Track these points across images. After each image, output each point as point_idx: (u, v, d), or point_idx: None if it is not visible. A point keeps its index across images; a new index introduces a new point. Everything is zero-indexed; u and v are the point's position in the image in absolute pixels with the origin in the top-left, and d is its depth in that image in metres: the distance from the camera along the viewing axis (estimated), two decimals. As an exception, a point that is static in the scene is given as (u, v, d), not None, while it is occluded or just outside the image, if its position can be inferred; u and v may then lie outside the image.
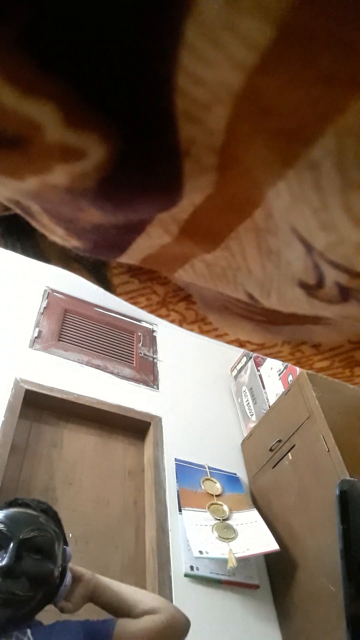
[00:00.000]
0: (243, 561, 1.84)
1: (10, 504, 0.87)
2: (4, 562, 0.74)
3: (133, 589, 0.95)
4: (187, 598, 1.72)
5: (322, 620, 1.63)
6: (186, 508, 1.97)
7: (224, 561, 1.76)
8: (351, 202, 0.17)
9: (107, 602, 0.90)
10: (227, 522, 1.95)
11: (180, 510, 1.97)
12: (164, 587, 1.70)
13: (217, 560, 1.80)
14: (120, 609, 0.89)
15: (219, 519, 1.95)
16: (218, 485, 2.14)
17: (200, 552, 1.77)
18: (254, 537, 1.89)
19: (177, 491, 2.04)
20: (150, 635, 0.84)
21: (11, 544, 0.77)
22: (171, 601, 1.67)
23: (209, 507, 2.00)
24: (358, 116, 0.15)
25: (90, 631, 0.82)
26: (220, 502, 2.04)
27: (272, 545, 1.82)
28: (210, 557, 1.77)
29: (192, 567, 1.79)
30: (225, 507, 2.02)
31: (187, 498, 2.02)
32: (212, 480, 2.15)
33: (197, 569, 1.79)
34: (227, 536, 1.86)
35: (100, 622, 0.85)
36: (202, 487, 2.10)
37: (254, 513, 2.03)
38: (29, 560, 0.78)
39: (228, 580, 1.81)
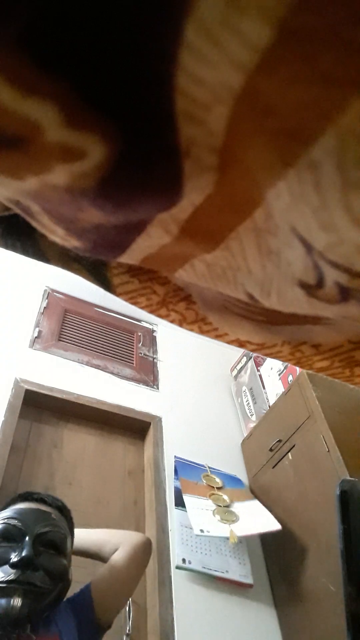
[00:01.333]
0: (238, 559, 1.84)
1: (25, 498, 0.86)
2: (24, 553, 0.74)
3: (99, 532, 1.01)
4: (187, 597, 1.72)
5: (322, 620, 1.63)
6: (187, 494, 1.94)
7: (225, 540, 1.74)
8: (351, 202, 0.17)
9: (77, 549, 0.94)
10: (229, 508, 1.95)
11: (176, 505, 1.96)
12: (164, 587, 1.70)
13: (210, 554, 1.79)
14: (90, 553, 0.95)
15: (220, 505, 1.94)
16: (218, 479, 2.13)
17: (202, 530, 1.74)
18: (256, 519, 1.87)
19: (177, 483, 2.03)
20: (120, 574, 0.91)
21: (27, 538, 0.77)
22: (171, 601, 1.67)
23: (210, 496, 1.99)
24: (358, 116, 0.15)
25: (75, 605, 0.85)
26: (220, 493, 2.04)
27: (274, 525, 1.81)
28: (211, 535, 1.76)
29: (184, 560, 1.78)
30: (226, 497, 2.01)
31: (188, 487, 2.00)
32: (212, 476, 2.15)
33: (190, 562, 1.78)
34: (228, 518, 1.85)
35: (79, 593, 0.89)
36: (203, 480, 2.10)
37: (255, 502, 2.02)
38: (46, 555, 0.77)
39: (221, 577, 1.80)
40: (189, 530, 1.83)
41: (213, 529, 1.77)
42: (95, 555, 0.96)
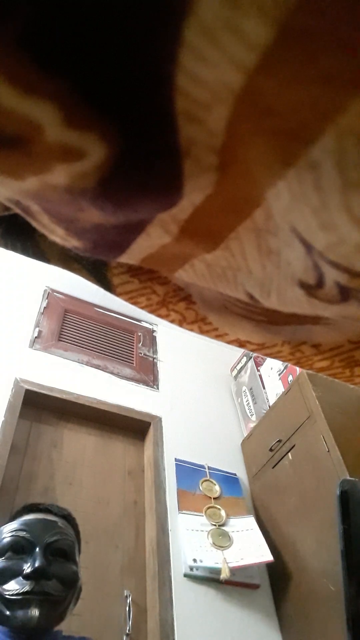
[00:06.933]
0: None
1: (31, 509, 0.87)
2: (37, 564, 0.75)
3: None
4: (187, 598, 1.72)
5: (322, 621, 1.63)
6: (183, 512, 1.97)
7: (218, 571, 1.76)
8: (351, 202, 0.17)
9: None
10: (223, 528, 1.95)
11: (180, 510, 1.98)
12: (164, 588, 1.70)
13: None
14: None
15: (215, 525, 1.95)
16: (217, 487, 2.13)
17: (195, 560, 1.78)
18: (249, 546, 1.89)
19: (177, 492, 2.04)
20: None
21: (37, 549, 0.77)
22: (171, 601, 1.67)
23: (205, 511, 2.00)
24: (358, 116, 0.15)
25: None
26: (217, 506, 2.04)
27: (266, 556, 1.83)
28: (204, 566, 1.78)
29: (191, 568, 1.79)
30: (223, 512, 2.02)
31: (185, 500, 2.02)
32: (211, 482, 2.15)
33: (197, 569, 1.80)
34: (222, 544, 1.87)
35: None
36: (201, 488, 2.10)
37: (251, 520, 2.03)
38: (57, 563, 0.78)
39: (228, 580, 1.81)
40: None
41: (206, 557, 1.80)
42: None
